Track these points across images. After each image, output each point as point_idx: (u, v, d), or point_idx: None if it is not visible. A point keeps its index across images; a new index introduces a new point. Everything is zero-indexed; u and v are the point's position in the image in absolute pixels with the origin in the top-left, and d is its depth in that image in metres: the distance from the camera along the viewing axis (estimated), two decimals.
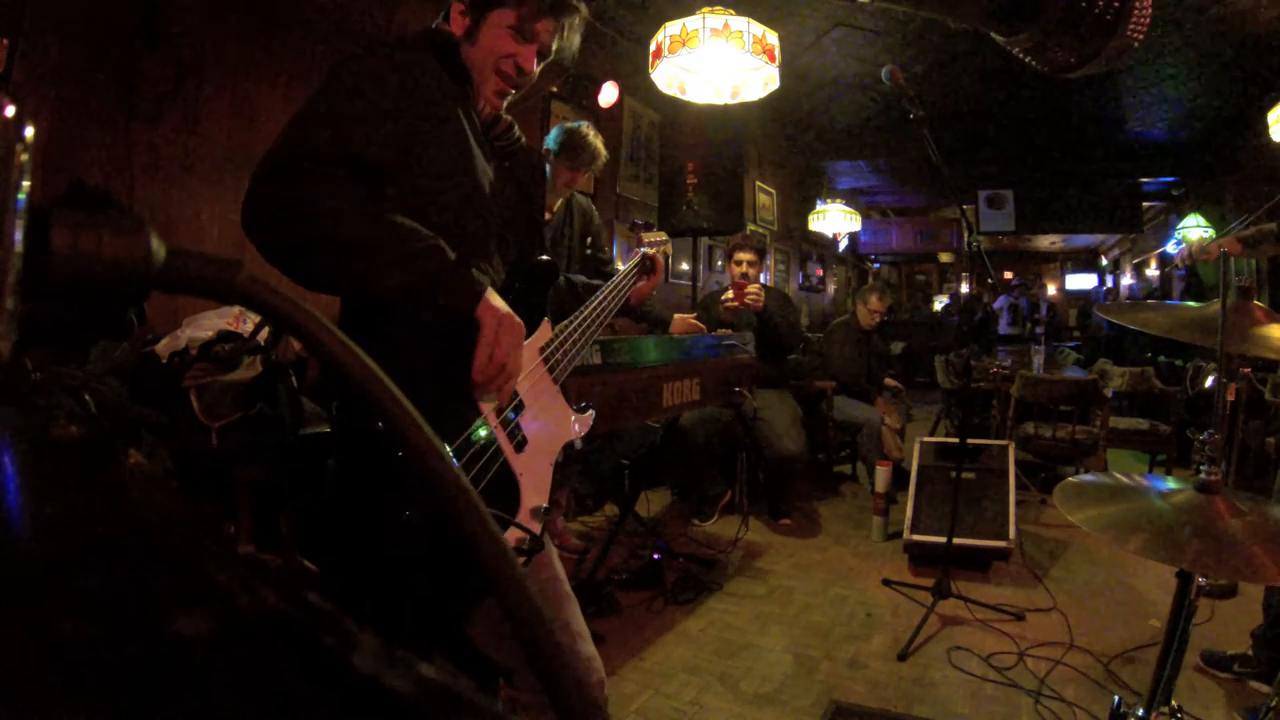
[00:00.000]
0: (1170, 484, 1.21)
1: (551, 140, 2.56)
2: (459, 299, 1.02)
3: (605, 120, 4.40)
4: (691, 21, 2.53)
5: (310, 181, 0.96)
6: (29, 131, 0.26)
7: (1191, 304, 1.44)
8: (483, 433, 1.06)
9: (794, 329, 3.70)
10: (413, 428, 0.29)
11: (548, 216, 2.60)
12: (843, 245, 9.01)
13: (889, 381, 4.57)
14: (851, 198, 8.38)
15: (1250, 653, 2.06)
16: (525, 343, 1.08)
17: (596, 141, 2.57)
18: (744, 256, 3.59)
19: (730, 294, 3.45)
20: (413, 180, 1.08)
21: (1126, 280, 11.26)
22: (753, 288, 3.43)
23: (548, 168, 2.55)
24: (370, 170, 1.02)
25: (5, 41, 1.74)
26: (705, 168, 4.20)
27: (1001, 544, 2.86)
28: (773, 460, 3.46)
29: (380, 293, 0.99)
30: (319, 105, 1.03)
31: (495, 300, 1.04)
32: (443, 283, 1.01)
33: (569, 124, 2.60)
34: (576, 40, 1.25)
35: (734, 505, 3.73)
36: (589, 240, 2.78)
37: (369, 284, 0.98)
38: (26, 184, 0.25)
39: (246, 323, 1.99)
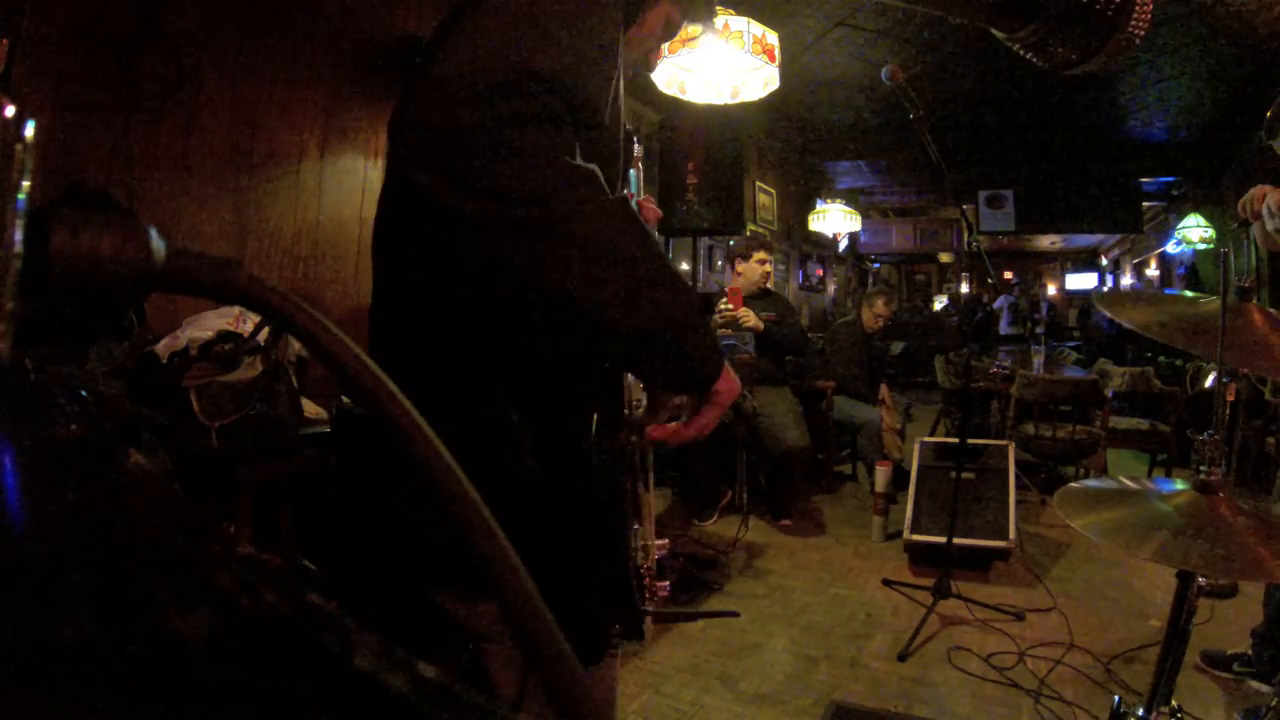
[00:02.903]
0: (1170, 485, 1.21)
1: None
2: (707, 362, 0.74)
3: None
4: None
5: (552, 129, 0.65)
6: (29, 131, 0.26)
7: (1189, 293, 1.43)
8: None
9: (799, 338, 3.73)
10: (416, 432, 0.29)
11: None
12: (843, 245, 9.00)
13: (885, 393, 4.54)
14: (851, 198, 8.37)
15: (1250, 652, 2.06)
16: None
17: None
18: (764, 256, 3.69)
19: (728, 304, 3.44)
20: (599, 158, 0.75)
21: (1126, 280, 11.27)
22: (744, 313, 3.42)
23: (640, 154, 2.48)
24: (583, 117, 0.71)
25: (5, 41, 1.73)
26: (705, 168, 4.20)
27: (1001, 544, 2.86)
28: (777, 454, 3.46)
29: (599, 321, 0.67)
30: (557, 10, 0.69)
31: (730, 367, 0.79)
32: (691, 335, 0.72)
33: None
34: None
35: (734, 505, 3.73)
36: None
37: (593, 305, 0.67)
38: (26, 184, 0.25)
39: (246, 323, 1.98)
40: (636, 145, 1.33)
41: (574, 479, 0.81)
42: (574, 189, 0.65)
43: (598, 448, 0.82)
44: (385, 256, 0.88)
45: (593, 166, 0.68)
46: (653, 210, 1.27)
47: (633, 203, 1.22)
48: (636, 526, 0.89)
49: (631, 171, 1.33)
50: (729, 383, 0.77)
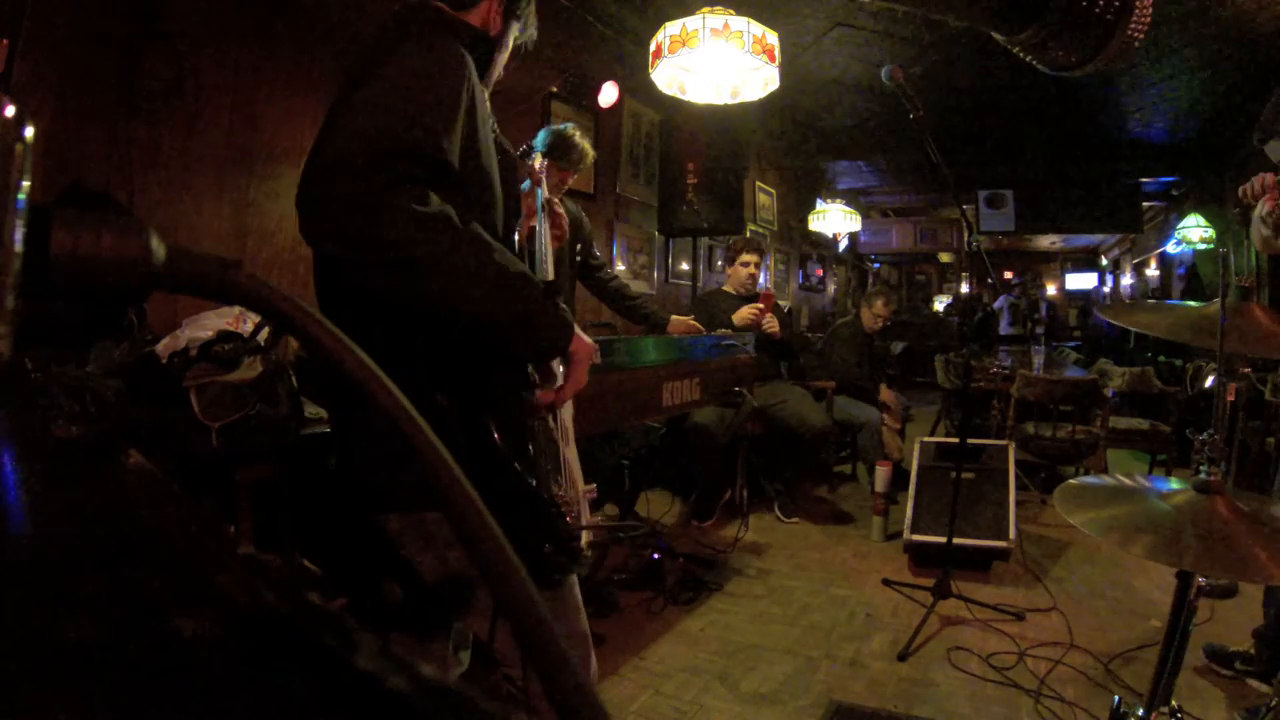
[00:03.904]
0: (1170, 484, 1.21)
1: (539, 143, 2.53)
2: (554, 334, 1.00)
3: (605, 120, 4.40)
4: (691, 21, 2.52)
5: (406, 188, 0.87)
6: (29, 131, 0.26)
7: (1191, 304, 1.43)
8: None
9: (796, 341, 3.81)
10: (413, 427, 0.29)
11: (534, 222, 2.61)
12: (843, 245, 8.99)
13: (886, 395, 4.55)
14: (851, 198, 8.37)
15: (1252, 651, 2.06)
16: None
17: (584, 142, 2.55)
18: (750, 258, 3.74)
19: (750, 313, 3.50)
20: (463, 187, 0.99)
21: (1126, 280, 11.26)
22: (769, 319, 3.53)
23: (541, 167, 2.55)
24: (440, 173, 0.94)
25: (5, 41, 1.74)
26: (705, 168, 4.20)
27: (1001, 544, 2.86)
28: (807, 436, 3.48)
29: (471, 320, 0.94)
30: (398, 91, 0.92)
31: (580, 333, 1.05)
32: (539, 316, 0.97)
33: (554, 126, 2.60)
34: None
35: (734, 505, 3.73)
36: (579, 246, 2.78)
37: (462, 310, 0.92)
38: (26, 184, 0.25)
39: (246, 323, 1.98)
40: (536, 161, 1.52)
41: (487, 439, 1.03)
42: (428, 232, 0.88)
43: (503, 412, 1.06)
44: (322, 272, 1.09)
45: (445, 208, 0.90)
46: (560, 213, 1.57)
47: (541, 214, 1.47)
48: (561, 478, 1.15)
49: (534, 186, 1.52)
50: (581, 344, 1.05)
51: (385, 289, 0.91)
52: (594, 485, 1.22)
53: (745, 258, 3.74)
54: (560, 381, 1.10)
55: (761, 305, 3.51)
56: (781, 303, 4.31)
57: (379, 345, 0.97)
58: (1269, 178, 1.74)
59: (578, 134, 2.56)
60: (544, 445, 1.14)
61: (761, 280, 3.94)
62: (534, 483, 1.06)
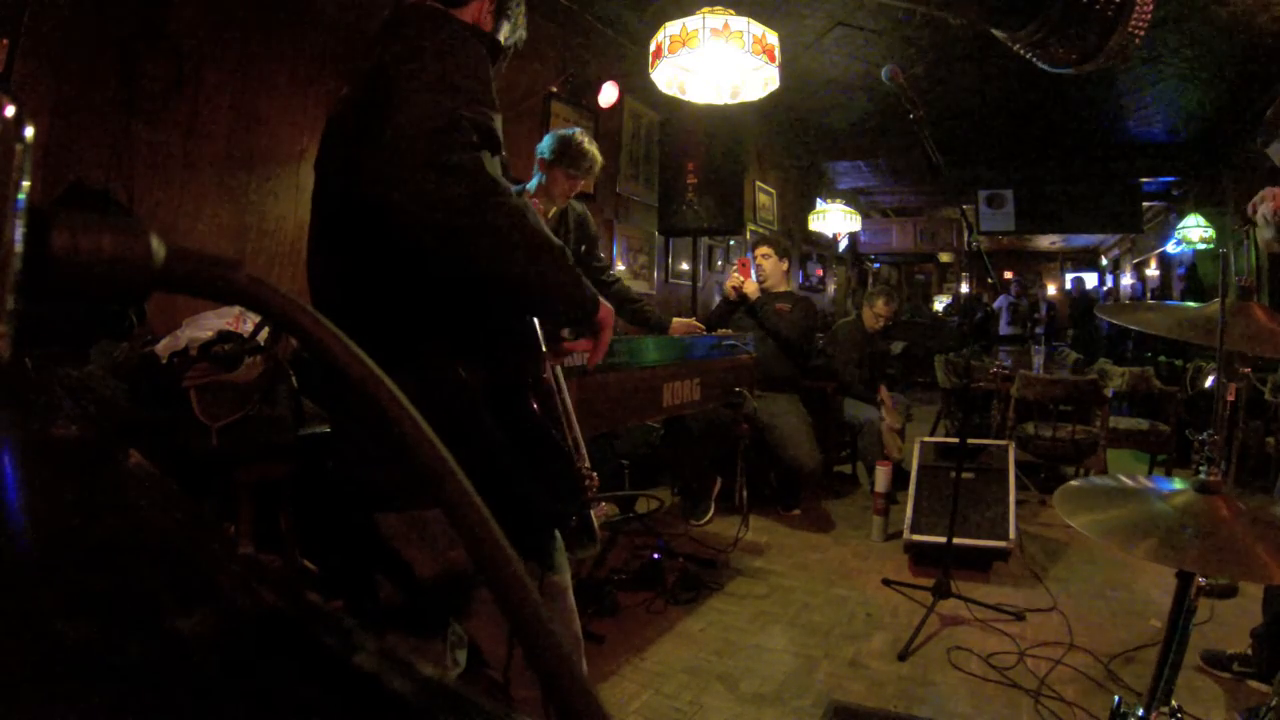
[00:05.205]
0: (1170, 485, 1.21)
1: (545, 149, 2.49)
2: (585, 300, 1.09)
3: (605, 120, 4.39)
4: (691, 21, 2.52)
5: (474, 154, 0.94)
6: (29, 131, 0.26)
7: (1191, 304, 1.43)
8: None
9: (801, 335, 3.79)
10: (412, 426, 0.29)
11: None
12: (843, 245, 9.00)
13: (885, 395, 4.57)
14: (851, 198, 8.37)
15: (1250, 652, 2.06)
16: None
17: (592, 148, 2.50)
18: (758, 251, 3.95)
19: (737, 273, 3.76)
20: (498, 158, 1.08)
21: (1127, 280, 11.26)
22: (748, 281, 3.71)
23: (541, 176, 2.52)
24: (495, 147, 1.01)
25: (5, 41, 1.74)
26: (705, 168, 4.20)
27: (1001, 544, 2.86)
28: (788, 469, 3.55)
29: (511, 282, 1.01)
30: (453, 72, 0.98)
31: (603, 299, 1.14)
32: (572, 282, 1.06)
33: (562, 131, 2.54)
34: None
35: (732, 498, 3.73)
36: (583, 249, 2.76)
37: (507, 271, 0.99)
38: (26, 184, 0.25)
39: (246, 323, 1.98)
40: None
41: (527, 409, 1.10)
42: (491, 195, 0.95)
43: (535, 384, 1.13)
44: (332, 261, 1.11)
45: (500, 177, 0.97)
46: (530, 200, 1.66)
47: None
48: (580, 452, 1.22)
49: None
50: (607, 310, 1.15)
51: (442, 247, 0.95)
52: (596, 474, 1.24)
53: (756, 252, 3.92)
54: (567, 342, 1.18)
55: (740, 274, 3.76)
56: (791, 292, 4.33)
57: (408, 321, 1.02)
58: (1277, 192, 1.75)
59: (586, 139, 2.50)
60: (565, 420, 1.22)
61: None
62: (569, 451, 1.14)
